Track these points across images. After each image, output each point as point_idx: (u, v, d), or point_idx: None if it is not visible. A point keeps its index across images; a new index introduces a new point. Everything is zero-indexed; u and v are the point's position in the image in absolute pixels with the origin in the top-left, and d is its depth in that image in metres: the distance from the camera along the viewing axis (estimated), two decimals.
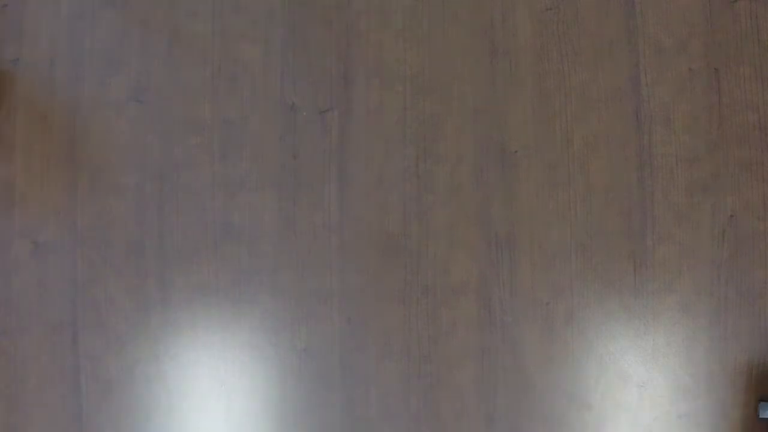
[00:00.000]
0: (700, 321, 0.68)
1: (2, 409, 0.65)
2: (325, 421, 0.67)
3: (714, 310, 0.68)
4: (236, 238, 0.68)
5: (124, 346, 0.66)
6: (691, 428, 0.67)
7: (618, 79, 0.70)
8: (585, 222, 0.69)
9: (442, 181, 0.69)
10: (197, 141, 0.69)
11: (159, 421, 0.66)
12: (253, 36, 0.64)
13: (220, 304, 0.67)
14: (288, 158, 0.69)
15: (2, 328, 0.66)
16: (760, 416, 0.66)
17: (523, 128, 0.69)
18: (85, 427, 0.66)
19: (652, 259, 0.68)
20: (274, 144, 0.69)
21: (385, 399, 0.67)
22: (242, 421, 0.67)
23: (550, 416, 0.67)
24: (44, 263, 0.67)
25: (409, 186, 0.69)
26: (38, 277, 0.67)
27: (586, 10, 0.70)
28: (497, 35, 0.70)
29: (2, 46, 0.69)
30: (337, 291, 0.68)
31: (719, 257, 0.68)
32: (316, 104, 0.69)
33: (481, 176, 0.69)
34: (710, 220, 0.69)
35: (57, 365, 0.66)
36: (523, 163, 0.69)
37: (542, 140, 0.69)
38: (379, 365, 0.67)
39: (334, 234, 0.66)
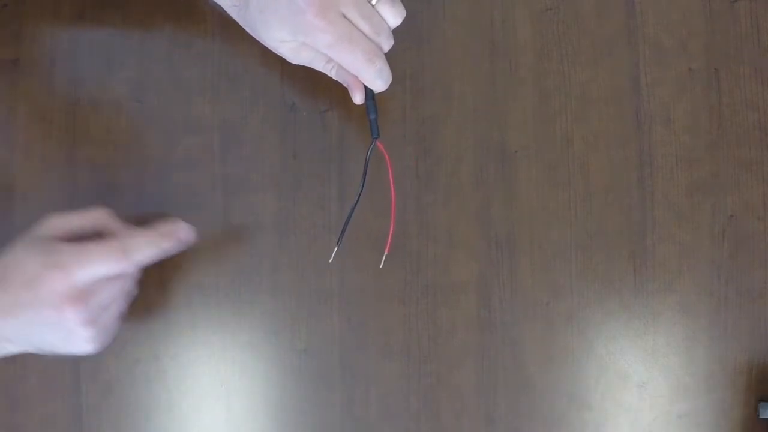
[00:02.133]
0: (700, 321, 0.68)
1: (2, 409, 0.65)
2: (325, 421, 0.67)
3: (714, 310, 0.68)
4: (236, 238, 0.68)
5: (124, 346, 0.66)
6: (691, 428, 0.67)
7: (618, 79, 0.70)
8: (585, 222, 0.69)
9: (442, 181, 0.69)
10: (197, 141, 0.69)
11: (159, 421, 0.66)
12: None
13: (220, 304, 0.67)
14: (288, 158, 0.69)
15: None
16: (760, 416, 0.66)
17: (523, 128, 0.69)
18: (85, 427, 0.66)
19: (652, 259, 0.68)
20: (274, 144, 0.69)
21: (385, 399, 0.67)
22: (242, 421, 0.67)
23: (550, 416, 0.67)
24: None
25: (409, 186, 0.69)
26: None
27: (586, 10, 0.70)
28: (497, 35, 0.70)
29: (2, 46, 0.69)
30: (337, 291, 0.67)
31: (719, 257, 0.68)
32: (316, 104, 0.69)
33: (481, 176, 0.69)
34: (710, 220, 0.69)
35: (57, 365, 0.66)
36: (523, 163, 0.69)
37: (542, 140, 0.69)
38: (379, 365, 0.67)
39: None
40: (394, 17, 0.61)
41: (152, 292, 0.67)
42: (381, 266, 0.65)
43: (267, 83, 0.69)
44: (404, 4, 0.62)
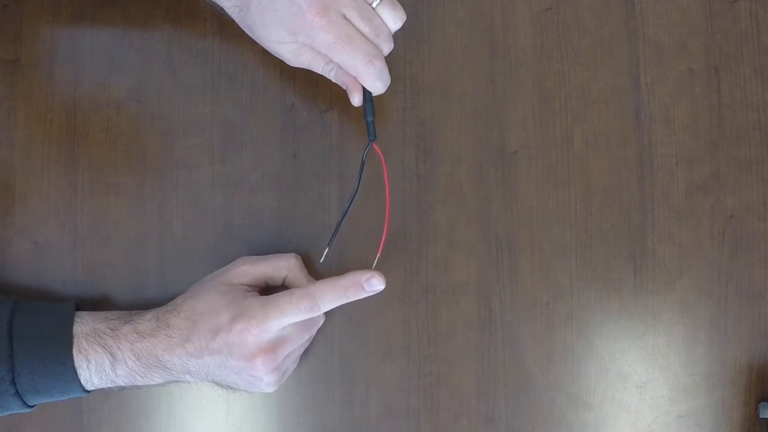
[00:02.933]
0: (700, 321, 0.68)
1: None
2: (325, 421, 0.67)
3: (714, 310, 0.68)
4: (236, 238, 0.68)
5: None
6: (691, 428, 0.67)
7: (618, 79, 0.70)
8: (585, 222, 0.69)
9: (442, 181, 0.69)
10: (197, 141, 0.69)
11: (159, 421, 0.66)
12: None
13: None
14: (288, 158, 0.69)
15: None
16: (760, 416, 0.66)
17: (523, 128, 0.69)
18: (86, 427, 0.66)
19: (652, 259, 0.68)
20: (274, 144, 0.69)
21: (385, 399, 0.67)
22: (242, 421, 0.67)
23: (550, 416, 0.67)
24: (44, 263, 0.67)
25: (409, 186, 0.69)
26: (38, 277, 0.67)
27: (586, 10, 0.70)
28: (497, 35, 0.70)
29: (2, 46, 0.69)
30: None
31: (719, 257, 0.68)
32: (316, 104, 0.69)
33: (481, 176, 0.69)
34: (710, 220, 0.69)
35: None
36: (523, 163, 0.69)
37: (542, 140, 0.69)
38: (379, 365, 0.67)
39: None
40: (394, 21, 0.61)
41: (153, 292, 0.67)
42: (372, 268, 0.65)
43: (267, 83, 0.69)
44: (404, 4, 0.62)
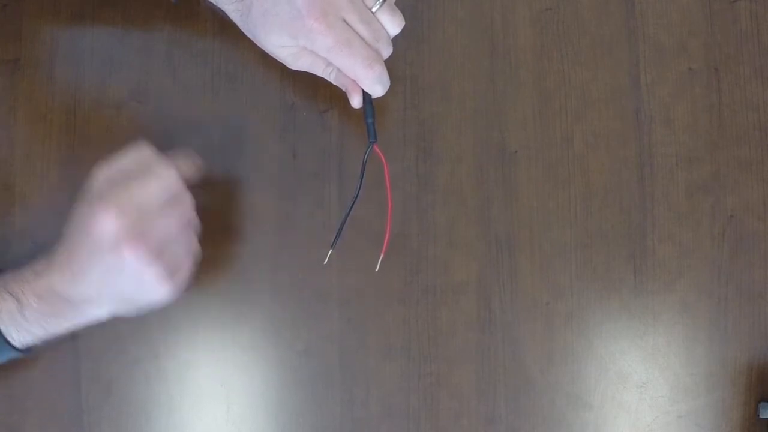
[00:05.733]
0: (700, 321, 0.68)
1: (2, 409, 0.65)
2: (325, 421, 0.67)
3: (714, 310, 0.68)
4: (236, 237, 0.68)
5: (124, 346, 0.66)
6: (691, 428, 0.67)
7: (618, 79, 0.70)
8: (585, 222, 0.69)
9: (442, 181, 0.69)
10: (197, 141, 0.69)
11: (159, 421, 0.66)
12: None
13: (220, 305, 0.67)
14: (288, 158, 0.69)
15: None
16: (760, 416, 0.66)
17: (523, 128, 0.69)
18: (85, 427, 0.66)
19: (652, 259, 0.68)
20: (274, 144, 0.69)
21: (385, 399, 0.67)
22: (242, 421, 0.67)
23: (550, 416, 0.67)
24: None
25: (409, 186, 0.69)
26: None
27: (586, 10, 0.71)
28: (497, 35, 0.70)
29: (2, 46, 0.69)
30: (337, 291, 0.68)
31: (719, 257, 0.68)
32: (316, 104, 0.69)
33: (481, 176, 0.69)
34: (710, 220, 0.69)
35: (57, 365, 0.66)
36: (523, 163, 0.69)
37: (542, 140, 0.69)
38: (379, 365, 0.67)
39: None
40: (393, 26, 0.61)
41: None
42: (377, 269, 0.65)
43: (267, 83, 0.69)
44: (404, 5, 0.62)
